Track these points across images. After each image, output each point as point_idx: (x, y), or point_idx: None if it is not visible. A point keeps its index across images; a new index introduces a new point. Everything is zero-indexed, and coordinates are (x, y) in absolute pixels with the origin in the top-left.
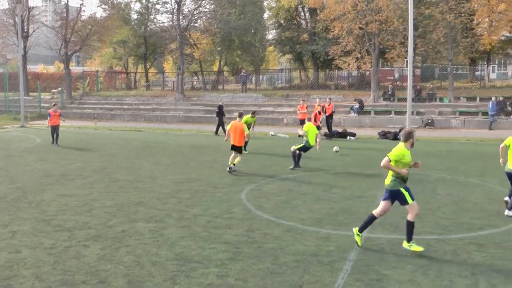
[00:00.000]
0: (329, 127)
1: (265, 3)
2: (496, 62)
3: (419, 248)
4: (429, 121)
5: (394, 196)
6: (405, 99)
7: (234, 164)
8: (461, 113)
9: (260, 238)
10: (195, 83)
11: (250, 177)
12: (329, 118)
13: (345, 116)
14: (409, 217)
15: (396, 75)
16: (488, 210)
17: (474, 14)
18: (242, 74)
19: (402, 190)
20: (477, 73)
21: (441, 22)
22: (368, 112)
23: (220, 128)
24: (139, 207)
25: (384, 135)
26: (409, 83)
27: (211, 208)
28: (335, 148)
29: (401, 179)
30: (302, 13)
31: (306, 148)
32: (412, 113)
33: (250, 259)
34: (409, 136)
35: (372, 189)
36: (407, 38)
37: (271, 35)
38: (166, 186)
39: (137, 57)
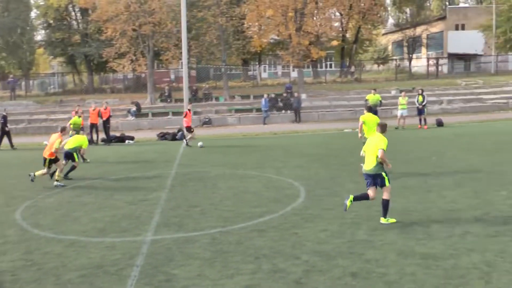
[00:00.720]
0: (106, 132)
1: (32, 1)
2: (267, 63)
3: (393, 220)
4: (207, 120)
5: (376, 179)
6: (182, 100)
7: (57, 180)
8: (237, 110)
9: (40, 258)
10: None
11: (24, 192)
12: (106, 122)
13: (122, 120)
14: (385, 196)
15: (172, 76)
16: (267, 198)
17: (245, 18)
18: (9, 79)
19: (384, 174)
20: (250, 72)
21: (214, 25)
22: (146, 115)
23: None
24: None
25: (162, 136)
26: (185, 84)
27: None
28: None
29: (381, 164)
30: (73, 13)
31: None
32: None
33: (29, 284)
34: (386, 128)
35: (155, 190)
36: (181, 40)
37: (40, 36)
38: None
39: None
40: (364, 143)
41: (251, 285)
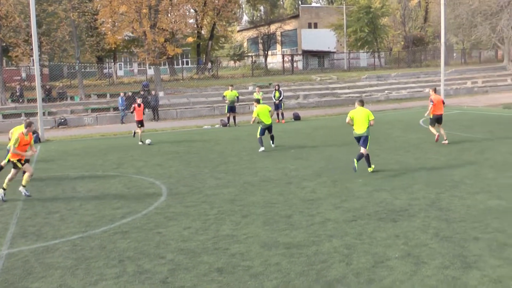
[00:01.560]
0: None
1: None
2: (123, 60)
3: (373, 166)
4: (62, 120)
5: (364, 138)
6: (35, 100)
7: (23, 186)
8: (93, 110)
9: None
10: None
11: None
12: None
13: None
14: (364, 152)
15: (23, 74)
16: (129, 199)
17: (98, 14)
18: None
19: (369, 137)
20: (105, 70)
21: (65, 20)
22: None
23: None
24: None
25: None
26: (38, 82)
27: None
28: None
29: (369, 129)
30: None
31: None
32: (44, 113)
33: None
34: (364, 102)
35: (9, 199)
36: (31, 35)
37: None
38: None
39: None
40: (262, 128)
41: None
